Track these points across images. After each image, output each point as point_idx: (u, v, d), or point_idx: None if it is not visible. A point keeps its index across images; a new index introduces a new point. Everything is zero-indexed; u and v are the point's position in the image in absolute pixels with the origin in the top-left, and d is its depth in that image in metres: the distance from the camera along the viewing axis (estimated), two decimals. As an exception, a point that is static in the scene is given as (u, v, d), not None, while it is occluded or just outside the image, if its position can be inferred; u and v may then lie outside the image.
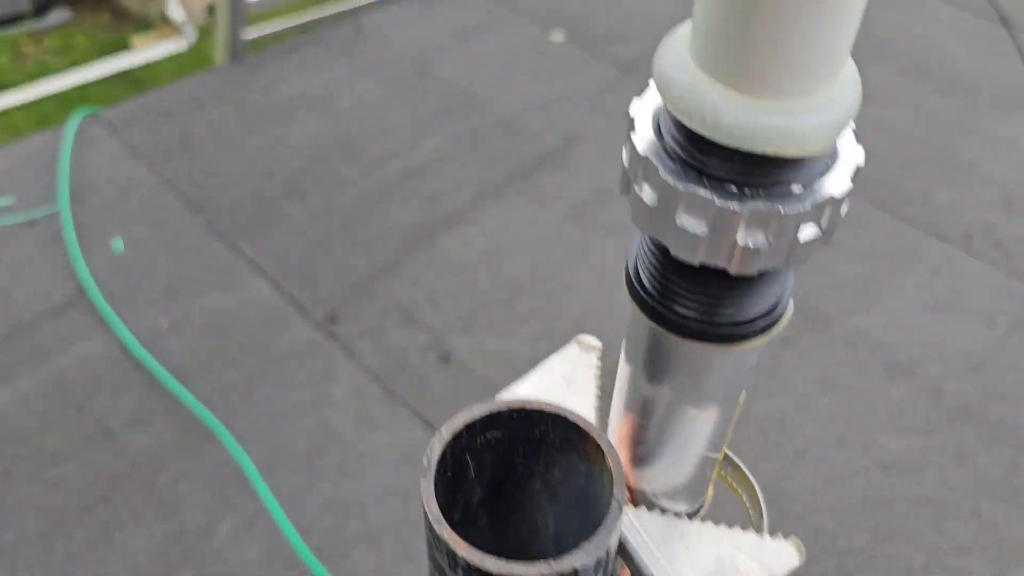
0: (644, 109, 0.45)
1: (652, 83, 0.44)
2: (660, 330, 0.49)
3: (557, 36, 3.79)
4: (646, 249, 0.49)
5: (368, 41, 3.66)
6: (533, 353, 2.51)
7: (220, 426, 2.24)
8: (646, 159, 0.42)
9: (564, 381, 0.66)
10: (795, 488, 2.25)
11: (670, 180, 0.41)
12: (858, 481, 2.28)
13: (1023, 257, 2.93)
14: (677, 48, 0.41)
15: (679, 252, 0.42)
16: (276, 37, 3.61)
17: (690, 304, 0.47)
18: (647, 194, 0.42)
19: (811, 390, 2.48)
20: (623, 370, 0.56)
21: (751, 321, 0.48)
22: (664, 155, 0.42)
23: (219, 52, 3.50)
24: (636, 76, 3.57)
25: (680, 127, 0.41)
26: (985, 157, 3.33)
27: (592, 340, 0.68)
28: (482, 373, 2.45)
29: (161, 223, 2.80)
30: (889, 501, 2.24)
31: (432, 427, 2.31)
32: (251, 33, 3.51)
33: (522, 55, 3.65)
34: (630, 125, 0.44)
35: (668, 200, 0.41)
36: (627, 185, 0.45)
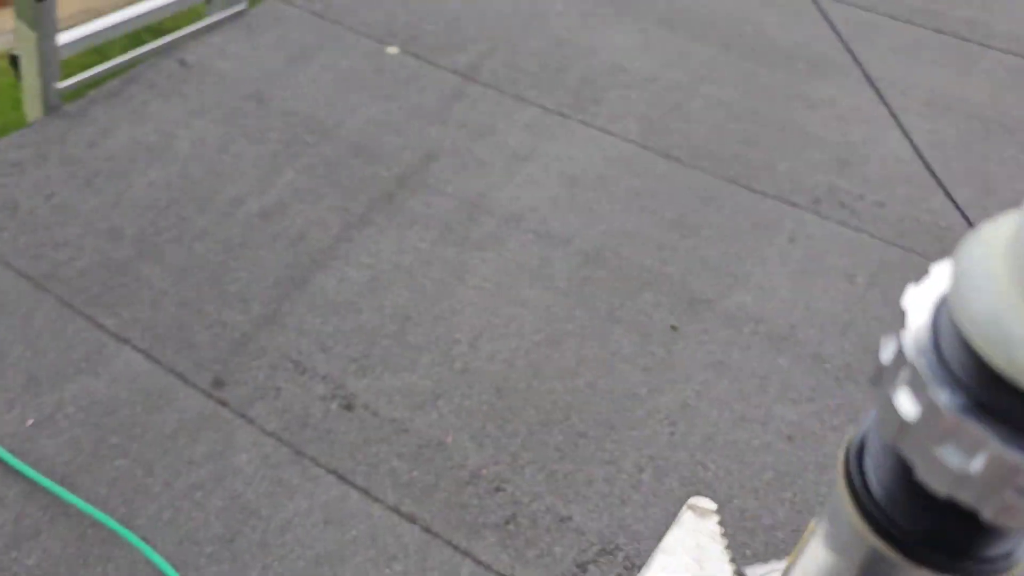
0: (921, 301, 0.37)
1: (936, 272, 0.36)
2: (887, 549, 0.41)
3: (392, 49, 3.66)
4: (883, 453, 0.41)
5: (196, 76, 3.40)
6: (436, 385, 2.42)
7: (119, 526, 2.02)
8: (913, 368, 0.35)
9: (694, 561, 0.59)
10: (711, 476, 2.29)
11: (941, 403, 0.34)
12: (767, 457, 2.34)
13: (866, 212, 3.10)
14: (989, 267, 0.34)
15: (927, 479, 0.36)
16: (93, 82, 3.29)
17: (929, 533, 0.40)
18: (906, 405, 0.35)
19: (707, 375, 2.52)
20: (819, 559, 0.47)
21: (993, 560, 0.41)
22: (938, 367, 0.35)
23: (31, 107, 3.15)
24: (478, 83, 3.50)
25: (970, 350, 0.34)
26: (812, 121, 3.50)
27: (707, 503, 0.61)
28: (389, 414, 2.34)
29: (6, 308, 2.49)
30: (799, 471, 2.31)
31: (349, 483, 2.19)
32: (65, 80, 3.17)
33: (361, 72, 3.50)
34: (902, 318, 0.37)
35: (932, 424, 0.34)
36: (879, 378, 0.37)
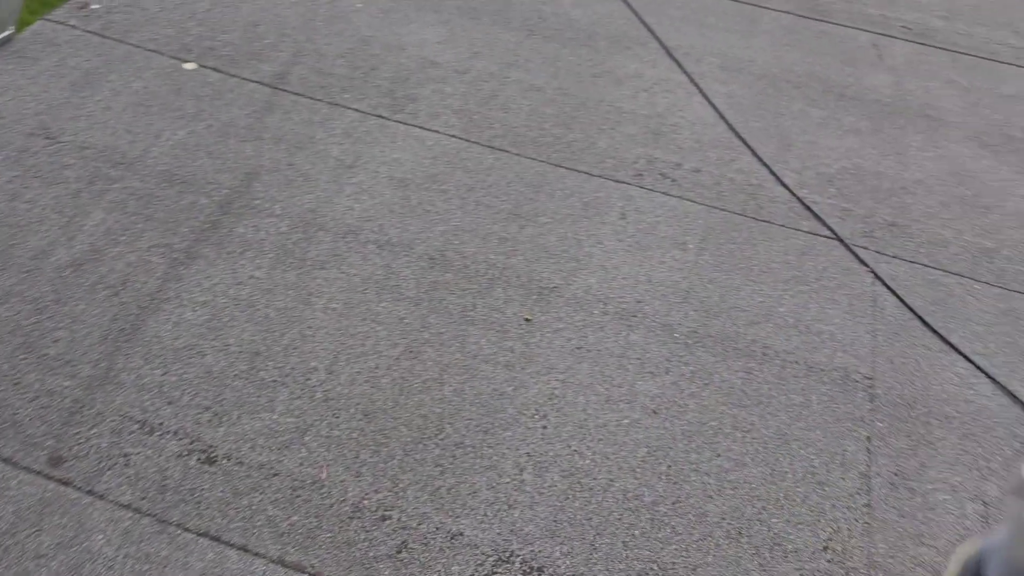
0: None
1: None
2: None
3: (190, 65, 3.38)
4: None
5: (-33, 117, 2.99)
6: (299, 420, 2.27)
7: (-34, 646, 1.76)
8: None
9: None
10: (588, 463, 2.29)
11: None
12: (637, 434, 2.36)
13: (685, 180, 3.19)
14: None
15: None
16: None
17: None
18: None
19: (567, 362, 2.52)
20: None
21: None
22: None
23: None
24: (287, 92, 3.30)
25: None
26: (621, 96, 3.56)
27: None
28: (255, 460, 2.17)
29: None
30: (669, 443, 2.35)
31: (224, 542, 2.01)
32: None
33: (158, 93, 3.21)
34: None
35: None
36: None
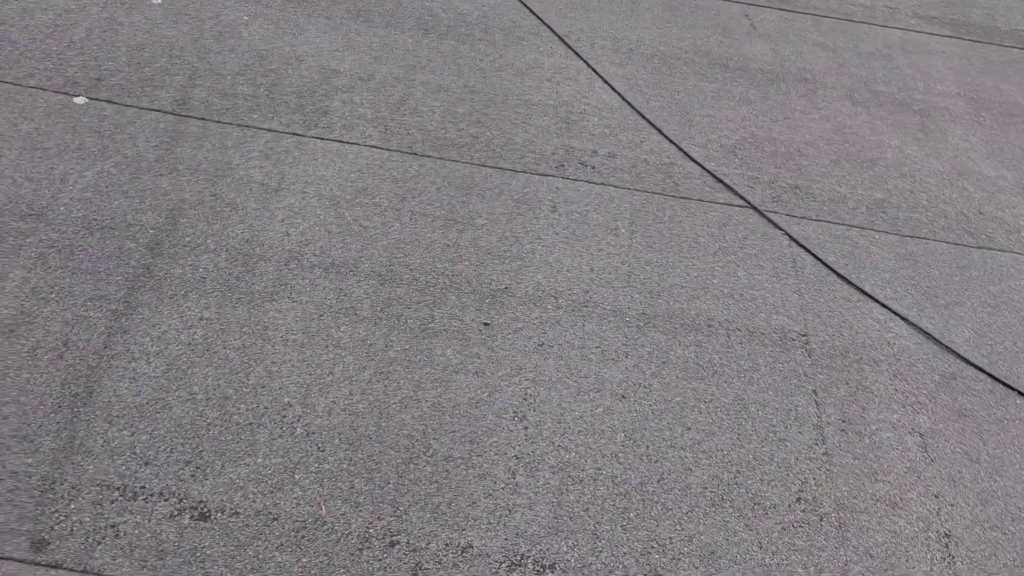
0: None
1: None
2: None
3: (80, 99, 3.15)
4: None
5: None
6: (285, 460, 2.22)
7: None
8: None
9: None
10: (574, 456, 2.34)
11: None
12: (612, 420, 2.44)
13: (603, 166, 3.27)
14: None
15: None
16: None
17: None
18: None
19: (533, 360, 2.56)
20: None
21: None
22: None
23: None
24: (192, 118, 3.14)
25: None
26: (526, 88, 3.59)
27: None
28: (251, 508, 2.10)
29: None
30: (641, 424, 2.44)
31: (240, 597, 1.95)
32: None
33: (52, 133, 2.98)
34: None
35: None
36: None
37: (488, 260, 2.83)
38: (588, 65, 3.76)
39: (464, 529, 2.14)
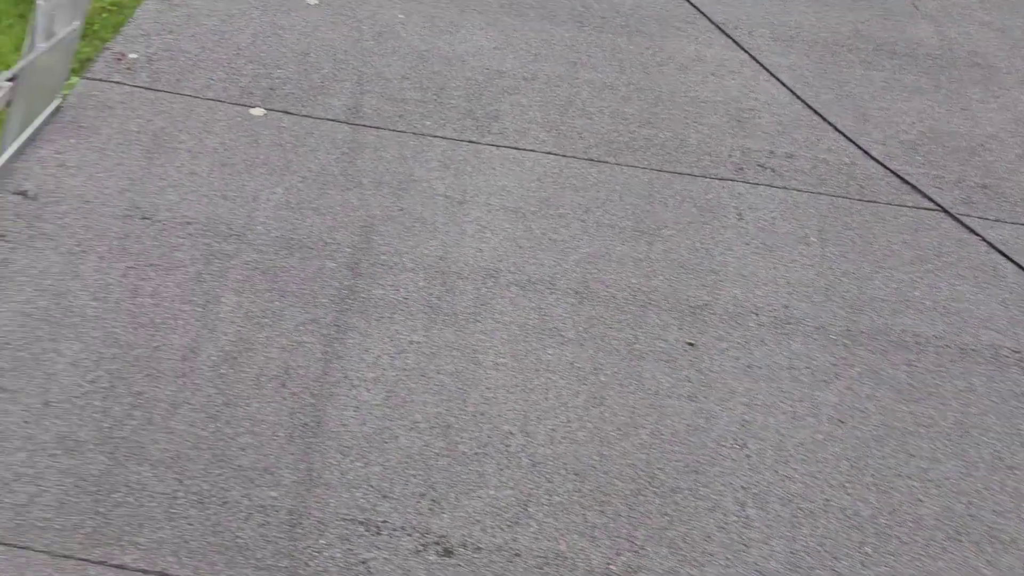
0: None
1: None
2: None
3: (257, 111, 3.13)
4: None
5: (49, 207, 2.71)
6: (516, 492, 2.20)
7: None
8: None
9: None
10: (800, 486, 2.28)
11: None
12: (833, 448, 2.36)
13: (783, 168, 3.14)
14: None
15: None
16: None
17: None
18: None
19: (743, 383, 2.48)
20: None
21: None
22: None
23: None
24: (367, 127, 3.10)
25: None
26: (691, 83, 3.45)
27: None
28: (491, 543, 2.09)
29: None
30: (863, 451, 2.36)
31: (499, 638, 1.95)
32: None
33: (236, 148, 2.97)
34: None
35: None
36: None
37: (682, 274, 2.75)
38: (751, 56, 3.60)
39: (703, 565, 2.11)
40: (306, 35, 3.47)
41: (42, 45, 2.70)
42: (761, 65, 3.56)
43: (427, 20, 3.60)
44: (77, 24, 2.87)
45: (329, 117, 3.13)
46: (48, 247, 2.60)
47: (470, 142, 3.10)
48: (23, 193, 2.74)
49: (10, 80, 2.66)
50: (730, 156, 3.16)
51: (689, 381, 2.48)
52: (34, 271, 2.53)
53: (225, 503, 2.11)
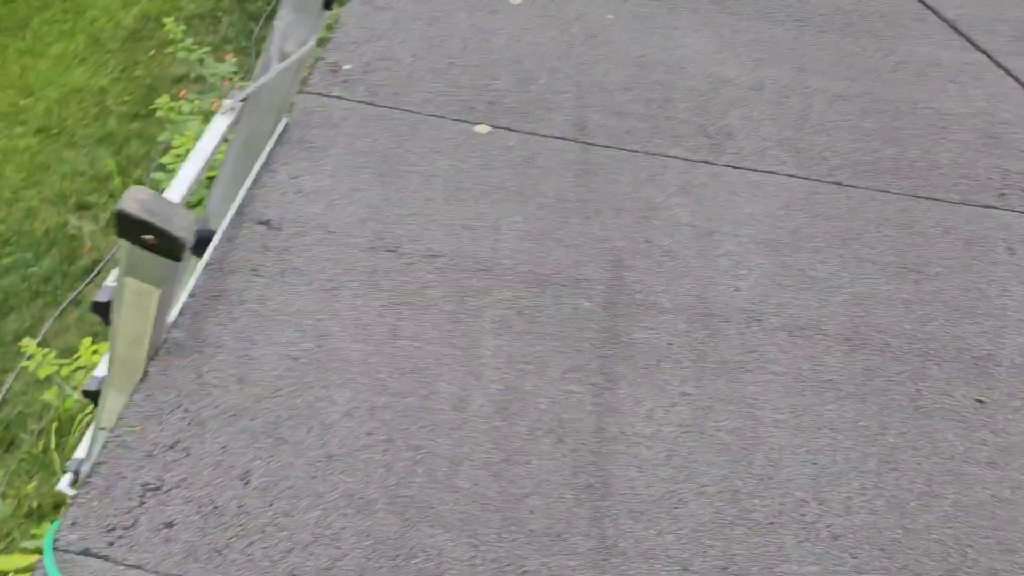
0: None
1: None
2: None
3: (482, 128, 2.99)
4: None
5: (294, 237, 2.63)
6: (821, 570, 2.07)
7: None
8: None
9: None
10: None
11: None
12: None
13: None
14: None
15: None
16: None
17: None
18: None
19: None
20: None
21: None
22: None
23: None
24: (595, 145, 2.93)
25: None
26: (931, 93, 3.18)
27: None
28: None
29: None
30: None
31: None
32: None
33: (469, 170, 2.84)
34: None
35: None
36: None
37: (958, 319, 2.55)
38: (990, 59, 3.30)
39: (1034, 660, 1.97)
40: (515, 39, 3.29)
41: (277, 66, 2.59)
42: (1005, 70, 3.26)
43: (638, 21, 3.38)
44: (311, 44, 2.75)
45: (556, 135, 2.97)
46: (301, 283, 2.52)
47: (705, 163, 2.92)
48: (267, 223, 2.67)
49: (243, 101, 2.57)
50: (989, 179, 2.91)
51: (985, 444, 2.30)
52: (292, 309, 2.46)
53: (524, 572, 2.04)
